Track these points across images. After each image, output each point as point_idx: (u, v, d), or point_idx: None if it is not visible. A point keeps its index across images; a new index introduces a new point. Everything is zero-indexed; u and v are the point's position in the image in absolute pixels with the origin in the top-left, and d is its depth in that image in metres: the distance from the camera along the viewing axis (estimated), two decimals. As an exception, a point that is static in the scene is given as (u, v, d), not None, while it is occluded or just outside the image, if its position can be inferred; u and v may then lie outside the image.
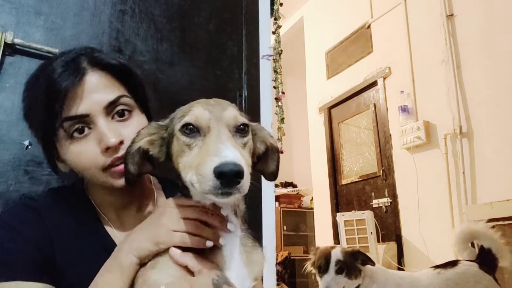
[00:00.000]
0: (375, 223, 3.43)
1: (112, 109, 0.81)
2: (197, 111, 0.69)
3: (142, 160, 0.77)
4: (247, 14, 1.69)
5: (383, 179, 3.92)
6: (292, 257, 4.80)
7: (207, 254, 0.70)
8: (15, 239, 0.76)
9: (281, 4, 1.94)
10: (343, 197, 4.48)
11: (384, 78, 3.99)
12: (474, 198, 2.99)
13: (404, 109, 3.58)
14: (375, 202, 3.96)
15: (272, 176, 0.85)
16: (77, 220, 0.84)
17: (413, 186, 3.43)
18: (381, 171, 3.93)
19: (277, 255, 4.50)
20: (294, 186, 6.05)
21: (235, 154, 0.61)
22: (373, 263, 2.02)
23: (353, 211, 3.59)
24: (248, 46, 1.65)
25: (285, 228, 5.42)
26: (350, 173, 4.44)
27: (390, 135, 3.85)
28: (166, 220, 0.71)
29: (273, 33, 1.94)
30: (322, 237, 4.63)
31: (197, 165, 0.63)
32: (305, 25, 5.52)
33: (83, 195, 0.89)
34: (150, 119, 0.91)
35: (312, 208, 5.27)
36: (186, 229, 0.69)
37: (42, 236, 0.78)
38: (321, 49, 5.04)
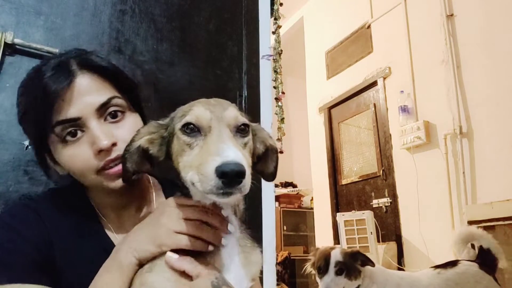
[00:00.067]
0: (375, 223, 3.43)
1: (104, 111, 0.81)
2: (198, 111, 0.69)
3: (141, 159, 0.76)
4: (247, 14, 1.69)
5: (383, 179, 3.92)
6: (292, 257, 4.80)
7: (206, 255, 0.70)
8: (15, 239, 0.76)
9: (281, 4, 1.94)
10: (343, 197, 4.48)
11: (384, 78, 3.99)
12: (474, 198, 2.99)
13: (404, 109, 3.58)
14: (375, 202, 3.96)
15: (271, 177, 0.85)
16: (76, 220, 0.84)
17: (413, 186, 3.43)
18: (381, 171, 3.93)
19: (277, 255, 4.50)
20: (294, 186, 6.04)
21: (237, 154, 0.61)
22: (372, 264, 2.02)
23: (353, 211, 3.59)
24: (248, 46, 1.65)
25: (285, 228, 5.42)
26: (350, 173, 4.44)
27: (390, 135, 3.85)
28: (166, 220, 0.70)
29: (273, 33, 1.94)
30: (322, 237, 4.63)
31: (198, 165, 0.63)
32: (305, 25, 5.52)
33: (82, 196, 0.89)
34: (144, 118, 0.91)
35: (312, 208, 5.27)
36: (187, 229, 0.69)
37: (41, 236, 0.78)
38: (321, 49, 5.04)
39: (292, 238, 5.45)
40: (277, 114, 1.87)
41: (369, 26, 4.28)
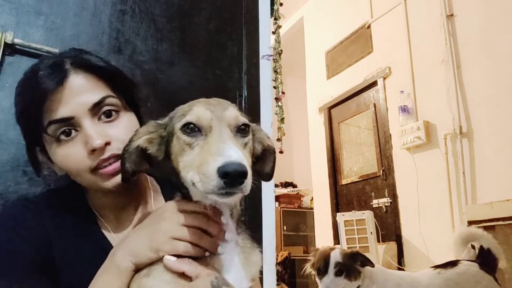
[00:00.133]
0: (375, 223, 3.43)
1: (98, 110, 0.81)
2: (199, 111, 0.69)
3: (140, 159, 0.76)
4: (247, 14, 1.69)
5: (383, 179, 3.92)
6: (292, 257, 4.80)
7: (204, 257, 0.69)
8: (14, 240, 0.76)
9: (281, 4, 1.94)
10: (343, 197, 4.48)
11: (384, 78, 3.99)
12: (474, 198, 2.99)
13: (404, 109, 3.58)
14: (375, 202, 3.96)
15: (268, 177, 0.85)
16: (74, 221, 0.84)
17: (413, 186, 3.43)
18: (381, 171, 3.93)
19: (277, 255, 4.50)
20: (294, 186, 6.05)
21: (239, 154, 0.60)
22: (372, 264, 2.01)
23: (353, 211, 3.58)
24: (248, 46, 1.65)
25: (285, 228, 5.42)
26: (350, 173, 4.44)
27: (390, 135, 3.85)
28: (164, 226, 0.69)
29: (273, 33, 1.94)
30: (322, 237, 4.63)
31: (200, 165, 0.62)
32: (305, 25, 5.52)
33: (80, 197, 0.89)
34: (140, 118, 0.90)
35: (312, 208, 5.27)
36: (185, 236, 0.68)
37: (41, 237, 0.78)
38: (321, 49, 5.04)
39: (292, 238, 5.45)
40: (277, 114, 1.86)
41: (369, 26, 4.28)
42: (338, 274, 1.99)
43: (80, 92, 0.79)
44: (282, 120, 1.87)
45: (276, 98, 1.85)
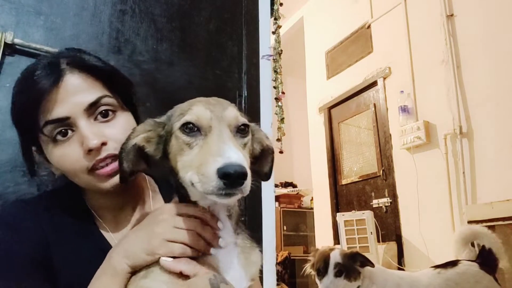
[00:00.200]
0: (375, 223, 3.43)
1: (94, 110, 0.80)
2: (198, 110, 0.68)
3: (137, 158, 0.75)
4: (247, 14, 1.69)
5: (383, 179, 3.92)
6: (292, 257, 4.80)
7: (201, 257, 0.69)
8: (13, 240, 0.76)
9: (281, 4, 1.93)
10: (343, 197, 4.48)
11: (384, 78, 3.99)
12: (474, 198, 2.99)
13: (404, 109, 3.58)
14: (375, 202, 3.96)
15: (266, 177, 0.85)
16: (73, 221, 0.84)
17: (413, 186, 3.43)
18: (381, 171, 3.93)
19: (277, 255, 4.50)
20: (294, 186, 6.05)
21: (238, 155, 0.60)
22: (372, 265, 2.01)
23: (353, 211, 3.58)
24: (248, 46, 1.65)
25: (285, 228, 5.42)
26: (350, 173, 4.44)
27: (390, 135, 3.85)
28: (160, 229, 0.69)
29: (273, 33, 1.94)
30: (322, 237, 4.63)
31: (199, 165, 0.62)
32: (305, 25, 5.52)
33: (78, 197, 0.89)
34: (137, 117, 0.90)
35: (312, 208, 5.27)
36: (180, 239, 0.68)
37: (39, 237, 0.78)
38: (321, 49, 5.04)
39: (292, 238, 5.45)
40: (277, 114, 1.86)
41: (369, 26, 4.28)
42: (338, 274, 1.99)
43: (76, 92, 0.79)
44: (282, 120, 1.86)
45: (276, 98, 1.85)
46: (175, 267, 0.66)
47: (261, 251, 0.78)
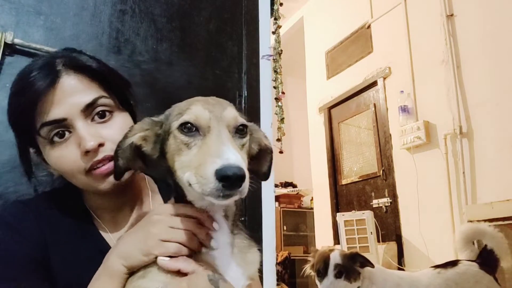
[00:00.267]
0: (375, 223, 3.43)
1: (91, 111, 0.80)
2: (197, 110, 0.67)
3: (133, 157, 0.75)
4: (247, 14, 1.69)
5: (383, 179, 3.92)
6: (292, 257, 4.80)
7: (198, 257, 0.69)
8: (15, 238, 0.76)
9: (281, 4, 1.93)
10: (343, 197, 4.48)
11: (384, 78, 3.99)
12: (474, 198, 2.99)
13: (404, 109, 3.58)
14: (375, 202, 3.96)
15: (265, 177, 0.84)
16: (71, 222, 0.84)
17: (413, 186, 3.43)
18: (381, 171, 3.93)
19: (277, 255, 4.50)
20: (294, 186, 6.05)
21: (237, 156, 0.60)
22: (372, 265, 2.01)
23: (353, 211, 3.58)
24: (248, 46, 1.65)
25: (285, 228, 5.42)
26: (350, 173, 4.44)
27: (390, 135, 3.85)
28: (156, 230, 0.69)
29: (273, 33, 1.94)
30: (322, 237, 4.63)
31: (197, 166, 0.61)
32: (305, 25, 5.52)
33: (77, 198, 0.89)
34: (135, 117, 0.90)
35: (312, 208, 5.27)
36: (175, 238, 0.68)
37: (38, 238, 0.78)
38: (321, 49, 5.04)
39: (292, 238, 5.45)
40: (277, 114, 1.86)
41: (369, 26, 4.28)
42: (338, 276, 1.99)
43: (72, 93, 0.78)
44: (282, 120, 1.86)
45: (276, 98, 1.85)
46: (173, 266, 0.66)
47: (260, 250, 0.78)
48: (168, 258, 0.66)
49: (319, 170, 4.84)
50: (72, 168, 0.79)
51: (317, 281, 2.08)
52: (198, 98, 0.73)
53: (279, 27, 1.97)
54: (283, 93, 1.87)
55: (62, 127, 0.78)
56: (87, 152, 0.77)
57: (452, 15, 3.33)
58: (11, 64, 1.14)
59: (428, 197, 3.33)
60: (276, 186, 4.61)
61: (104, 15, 1.36)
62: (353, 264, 2.01)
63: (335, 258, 2.02)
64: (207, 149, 0.63)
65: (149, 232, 0.69)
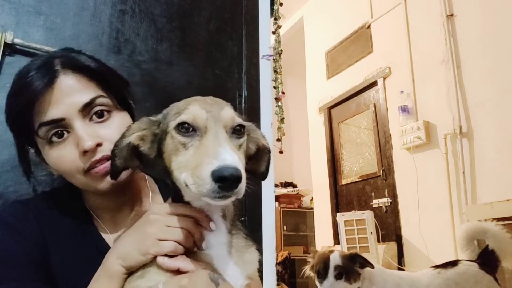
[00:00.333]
0: (375, 223, 3.43)
1: (89, 111, 0.80)
2: (194, 110, 0.67)
3: (130, 156, 0.75)
4: (247, 14, 1.69)
5: (383, 179, 3.92)
6: (292, 257, 4.80)
7: (195, 257, 0.69)
8: (15, 238, 0.76)
9: (281, 4, 1.93)
10: (343, 197, 4.48)
11: (384, 78, 3.99)
12: (474, 198, 2.99)
13: (404, 109, 3.58)
14: (375, 202, 3.96)
15: (262, 176, 0.84)
16: (71, 222, 0.84)
17: (413, 186, 3.43)
18: (381, 171, 3.93)
19: (277, 255, 4.50)
20: (294, 186, 6.05)
21: (234, 157, 0.59)
22: (371, 266, 2.01)
23: (353, 211, 3.58)
24: (248, 46, 1.65)
25: (285, 228, 5.42)
26: (350, 173, 4.44)
27: (390, 135, 3.85)
28: (152, 229, 0.69)
29: (273, 33, 1.94)
30: (322, 237, 4.63)
31: (194, 166, 0.61)
32: (305, 25, 5.52)
33: (76, 198, 0.89)
34: (133, 116, 0.90)
35: (312, 208, 5.27)
36: (171, 237, 0.68)
37: (38, 238, 0.78)
38: (321, 49, 5.04)
39: (292, 238, 5.45)
40: (277, 114, 1.86)
41: (369, 26, 4.28)
42: (338, 277, 1.99)
43: (70, 93, 0.78)
44: (282, 120, 1.86)
45: (276, 98, 1.85)
46: (173, 265, 0.66)
47: (258, 250, 0.78)
48: (167, 257, 0.66)
49: (319, 170, 4.84)
50: (71, 168, 0.79)
51: (317, 282, 2.08)
52: (196, 97, 0.73)
53: (279, 27, 1.97)
54: (283, 93, 1.87)
55: (60, 127, 0.78)
56: (85, 152, 0.77)
57: (452, 15, 3.33)
58: (11, 64, 1.14)
59: (428, 197, 3.33)
60: (276, 186, 4.62)
61: (104, 15, 1.36)
62: (353, 265, 2.01)
63: (335, 259, 2.02)
64: (204, 150, 0.62)
65: (146, 231, 0.69)
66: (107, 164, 0.78)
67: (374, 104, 4.14)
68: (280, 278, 4.47)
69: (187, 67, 1.49)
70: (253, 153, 0.79)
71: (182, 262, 0.66)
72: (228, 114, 0.68)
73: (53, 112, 0.77)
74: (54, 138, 0.78)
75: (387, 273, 2.14)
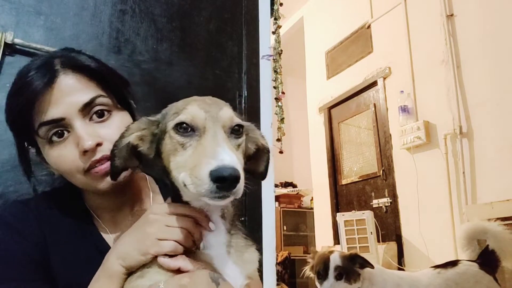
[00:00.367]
0: (375, 223, 3.43)
1: (89, 111, 0.80)
2: (193, 110, 0.67)
3: (129, 156, 0.75)
4: (247, 14, 1.69)
5: (383, 179, 3.92)
6: (292, 257, 4.80)
7: (195, 257, 0.69)
8: (15, 238, 0.76)
9: (281, 4, 1.93)
10: (343, 197, 4.48)
11: (384, 78, 3.99)
12: (474, 198, 2.99)
13: (404, 109, 3.58)
14: (375, 202, 3.96)
15: (262, 176, 0.84)
16: (71, 222, 0.84)
17: (413, 186, 3.43)
18: (381, 171, 3.93)
19: (277, 255, 4.50)
20: (294, 186, 6.05)
21: (232, 157, 0.59)
22: (371, 266, 2.01)
23: (353, 211, 3.58)
24: (248, 46, 1.65)
25: (285, 228, 5.42)
26: (350, 173, 4.44)
27: (390, 135, 3.85)
28: (152, 229, 0.69)
29: (273, 33, 1.94)
30: (322, 237, 4.63)
31: (192, 167, 0.61)
32: (305, 25, 5.52)
33: (77, 197, 0.89)
34: (134, 116, 0.90)
35: (312, 208, 5.27)
36: (171, 236, 0.68)
37: (38, 237, 0.78)
38: (321, 49, 5.04)
39: (292, 238, 5.45)
40: (277, 114, 1.86)
41: (369, 26, 4.28)
42: (338, 278, 1.99)
43: (70, 93, 0.78)
44: (282, 120, 1.86)
45: (276, 98, 1.85)
46: (173, 264, 0.66)
47: (258, 249, 0.78)
48: (168, 257, 0.66)
49: (319, 170, 4.84)
50: (71, 168, 0.79)
51: (317, 283, 2.08)
52: (195, 97, 0.73)
53: (279, 27, 1.97)
54: (283, 93, 1.87)
55: (60, 126, 0.78)
56: (85, 152, 0.77)
57: (452, 15, 3.33)
58: (11, 64, 1.14)
59: (428, 197, 3.33)
60: (276, 186, 4.62)
61: (104, 15, 1.36)
62: (353, 266, 2.01)
63: (335, 260, 2.02)
64: (202, 150, 0.62)
65: (145, 231, 0.69)
66: (107, 164, 0.78)
67: (374, 104, 4.14)
68: (280, 278, 4.47)
69: (187, 67, 1.49)
70: (253, 153, 0.79)
71: (183, 262, 0.66)
72: (226, 114, 0.68)
73: (53, 111, 0.77)
74: (55, 138, 0.78)
75: (387, 273, 2.14)
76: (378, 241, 3.46)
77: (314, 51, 5.24)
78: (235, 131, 0.69)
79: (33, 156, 0.87)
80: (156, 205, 0.74)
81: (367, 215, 3.36)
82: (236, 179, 0.58)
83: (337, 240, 4.03)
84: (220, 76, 1.56)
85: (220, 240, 0.72)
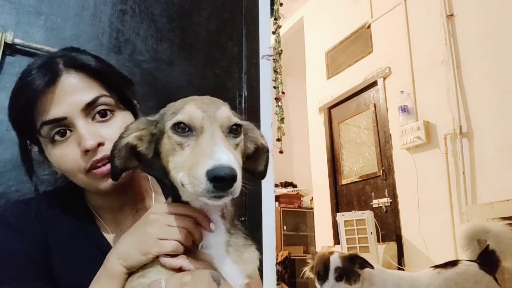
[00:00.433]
0: (375, 223, 3.43)
1: (91, 110, 0.80)
2: (190, 110, 0.67)
3: (129, 156, 0.75)
4: (247, 14, 1.69)
5: (383, 179, 3.92)
6: (292, 257, 4.80)
7: (195, 256, 0.69)
8: (17, 238, 0.76)
9: (281, 4, 1.93)
10: (343, 197, 4.48)
11: (384, 78, 3.99)
12: (474, 198, 2.99)
13: (404, 109, 3.58)
14: (375, 202, 3.96)
15: (261, 176, 0.84)
16: (73, 221, 0.84)
17: (413, 186, 3.43)
18: (381, 171, 3.93)
19: (277, 255, 4.50)
20: (294, 186, 6.05)
21: (229, 157, 0.60)
22: (371, 266, 2.01)
23: (353, 211, 3.58)
24: (248, 46, 1.65)
25: (285, 228, 5.42)
26: (350, 173, 4.44)
27: (390, 135, 3.85)
28: (153, 229, 0.69)
29: (273, 33, 1.94)
30: (322, 237, 4.63)
31: (190, 166, 0.61)
32: (305, 25, 5.52)
33: (79, 197, 0.89)
34: (136, 116, 0.90)
35: (312, 208, 5.27)
36: (172, 236, 0.68)
37: (40, 237, 0.78)
38: (321, 49, 5.04)
39: (292, 238, 5.45)
40: (277, 114, 1.86)
41: (369, 26, 4.28)
42: (338, 279, 1.99)
43: (72, 92, 0.78)
44: (282, 120, 1.86)
45: (276, 98, 1.85)
46: (175, 263, 0.66)
47: (258, 249, 0.78)
48: (169, 256, 0.67)
49: (319, 170, 4.84)
50: (73, 167, 0.79)
51: (317, 284, 2.08)
52: (194, 97, 0.73)
53: (279, 27, 1.97)
54: (283, 93, 1.87)
55: (63, 126, 0.78)
56: (86, 151, 0.77)
57: (452, 15, 3.33)
58: (11, 64, 1.14)
59: (428, 197, 3.33)
60: (276, 186, 4.62)
61: (104, 15, 1.36)
62: (352, 266, 2.01)
63: (335, 261, 2.02)
64: (199, 150, 0.63)
65: (146, 231, 0.69)
66: (108, 165, 0.78)
67: (374, 104, 4.14)
68: (280, 278, 4.47)
69: (187, 67, 1.49)
70: (252, 152, 0.79)
71: (184, 261, 0.66)
72: (224, 113, 0.68)
73: (56, 111, 0.77)
74: (57, 137, 0.78)
75: (387, 273, 2.14)
76: (378, 241, 3.46)
77: (314, 51, 5.24)
78: (233, 131, 0.69)
79: (35, 156, 0.87)
80: (156, 205, 0.75)
81: (367, 215, 3.36)
82: (233, 178, 0.58)
83: (337, 240, 4.03)
84: (220, 76, 1.56)
85: (220, 240, 0.72)
